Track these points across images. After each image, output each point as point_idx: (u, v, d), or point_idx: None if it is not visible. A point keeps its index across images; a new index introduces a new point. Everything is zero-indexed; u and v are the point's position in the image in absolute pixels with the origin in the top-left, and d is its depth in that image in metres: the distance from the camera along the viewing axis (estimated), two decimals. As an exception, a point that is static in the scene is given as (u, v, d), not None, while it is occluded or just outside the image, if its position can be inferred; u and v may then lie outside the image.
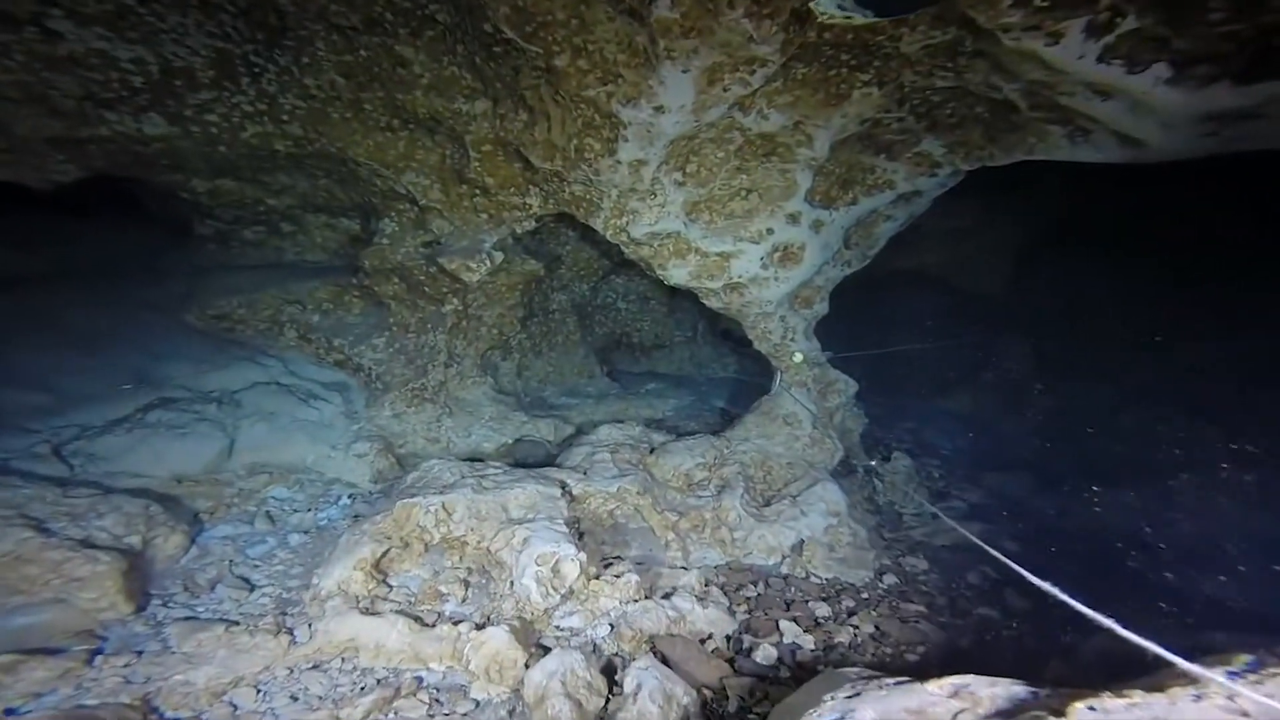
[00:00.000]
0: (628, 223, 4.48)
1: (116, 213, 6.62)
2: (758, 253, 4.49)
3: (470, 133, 4.45)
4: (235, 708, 2.51)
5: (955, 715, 1.73)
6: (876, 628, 3.50)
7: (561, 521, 3.94)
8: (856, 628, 3.49)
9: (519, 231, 5.19)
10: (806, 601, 3.81)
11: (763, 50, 3.21)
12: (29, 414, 3.96)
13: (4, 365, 4.20)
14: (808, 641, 3.35)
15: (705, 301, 5.00)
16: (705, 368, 8.71)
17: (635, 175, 4.06)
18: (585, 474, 4.65)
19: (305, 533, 4.07)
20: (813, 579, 4.14)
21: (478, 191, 4.97)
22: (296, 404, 5.15)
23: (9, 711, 2.25)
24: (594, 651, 3.20)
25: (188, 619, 2.98)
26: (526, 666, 2.93)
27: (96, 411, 4.16)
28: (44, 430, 3.91)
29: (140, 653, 2.69)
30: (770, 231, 4.40)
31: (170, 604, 3.10)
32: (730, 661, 3.18)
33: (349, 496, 4.61)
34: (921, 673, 1.99)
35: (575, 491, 4.40)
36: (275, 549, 3.83)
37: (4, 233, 5.65)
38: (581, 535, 4.13)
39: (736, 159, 4.10)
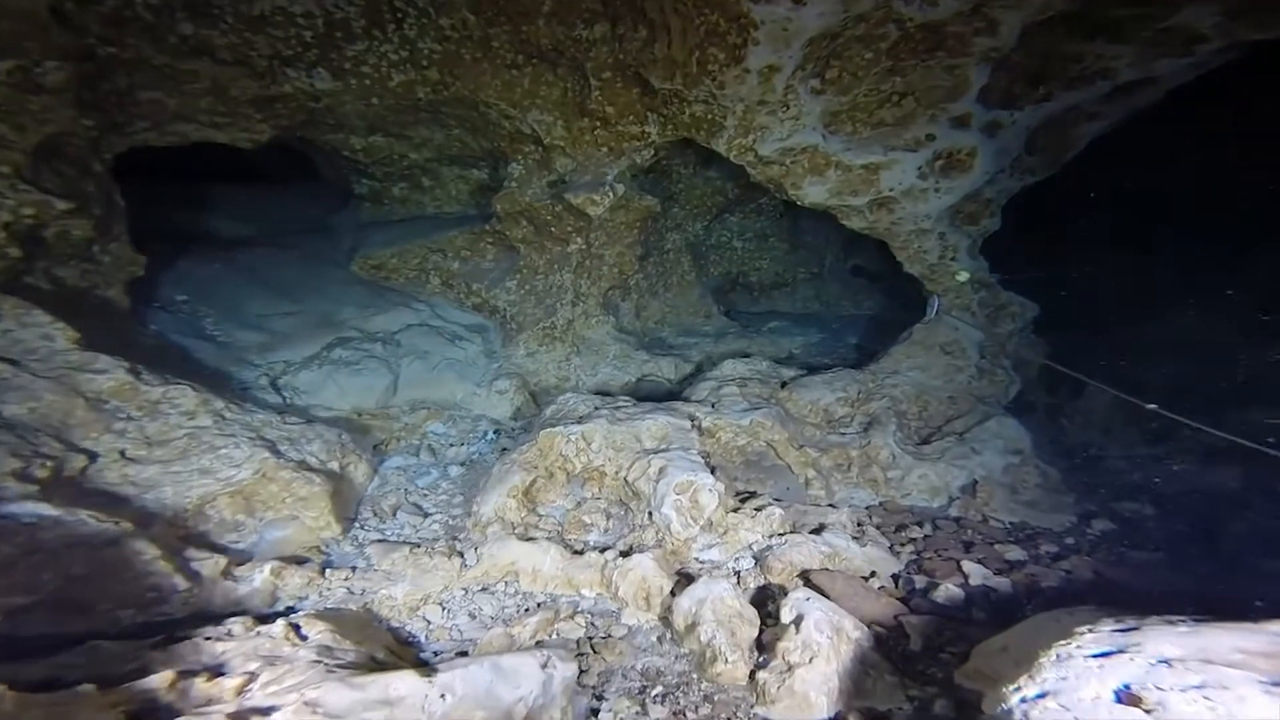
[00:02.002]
0: (755, 140, 4.13)
1: (298, 180, 7.44)
2: (914, 162, 3.96)
3: (590, 59, 4.28)
4: (429, 622, 2.75)
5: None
6: (1097, 574, 3.09)
7: (695, 452, 3.87)
8: (1069, 573, 3.09)
9: (639, 161, 5.01)
10: (991, 544, 3.46)
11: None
12: (254, 350, 4.64)
13: (237, 314, 4.88)
14: (1003, 584, 3.03)
15: (845, 222, 4.55)
16: (834, 305, 8.12)
17: (765, 85, 3.68)
18: (714, 408, 4.50)
19: (462, 465, 4.37)
20: (992, 522, 3.77)
21: (598, 124, 4.83)
22: (445, 344, 5.49)
23: (290, 609, 2.61)
24: (738, 583, 3.15)
25: (380, 541, 3.31)
26: (673, 594, 2.93)
27: (296, 350, 4.73)
28: (262, 365, 4.54)
29: (354, 568, 3.03)
30: (931, 138, 3.84)
31: (365, 527, 3.47)
32: (904, 601, 2.96)
33: (494, 432, 4.88)
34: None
35: (705, 425, 4.28)
36: (439, 480, 4.14)
37: (220, 202, 6.51)
38: (713, 470, 4.04)
39: (889, 58, 3.55)
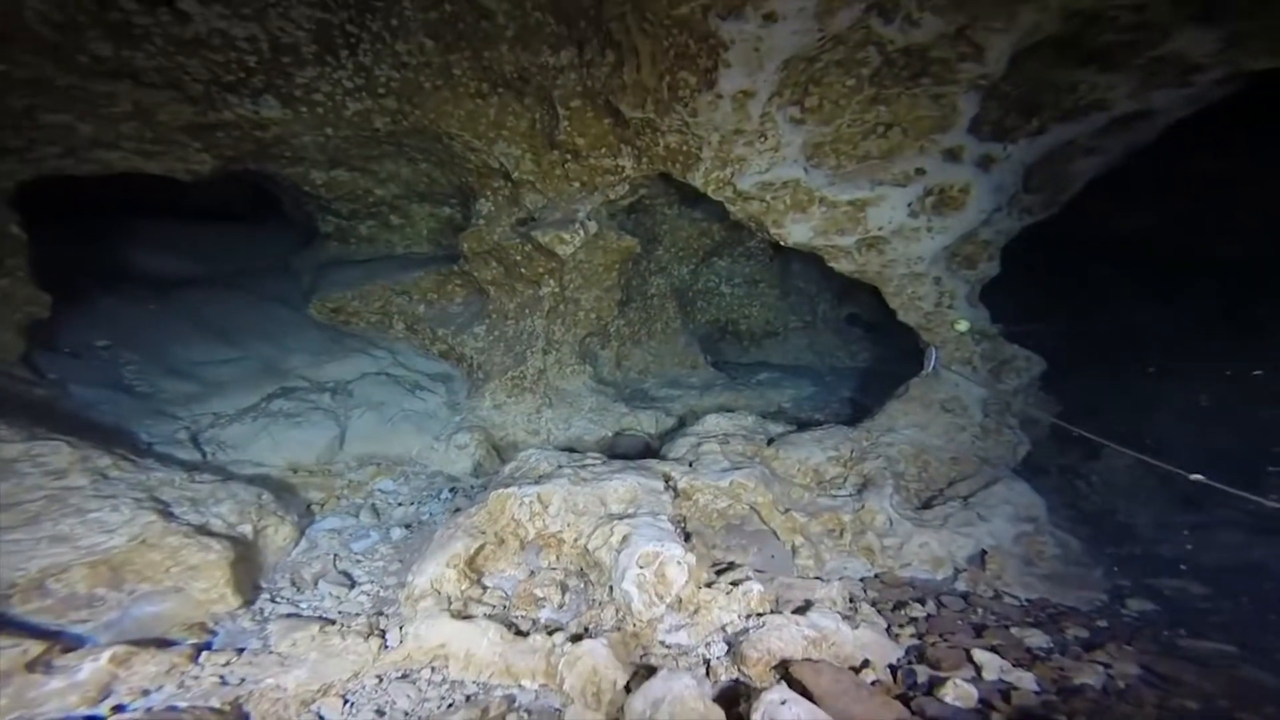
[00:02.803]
0: (733, 173, 3.92)
1: (260, 220, 7.27)
2: (904, 198, 3.72)
3: (558, 88, 4.12)
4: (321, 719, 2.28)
5: None
6: (1146, 670, 2.63)
7: (665, 518, 3.48)
8: (1108, 667, 2.63)
9: (613, 197, 4.81)
10: (1007, 626, 3.01)
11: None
12: (178, 401, 4.25)
13: (164, 360, 4.53)
14: (1025, 680, 2.56)
15: (834, 265, 4.28)
16: (828, 356, 7.83)
17: (740, 112, 3.48)
18: (691, 466, 4.14)
19: (407, 526, 3.94)
20: (1006, 599, 3.33)
21: (569, 156, 4.65)
22: (403, 394, 5.14)
23: (119, 709, 2.16)
24: (707, 674, 2.69)
25: (289, 616, 2.87)
26: (628, 689, 2.47)
27: (230, 400, 4.35)
28: (186, 417, 4.15)
29: (241, 650, 2.58)
30: (921, 172, 3.62)
31: (277, 598, 3.03)
32: (904, 701, 2.49)
33: (450, 490, 4.47)
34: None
35: (680, 485, 3.90)
36: (378, 543, 3.71)
37: (171, 240, 6.26)
38: (689, 536, 3.63)
39: (872, 86, 3.37)
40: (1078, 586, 3.34)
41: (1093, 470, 4.48)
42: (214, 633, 2.67)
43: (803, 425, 5.03)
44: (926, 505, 4.14)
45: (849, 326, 7.95)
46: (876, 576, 3.69)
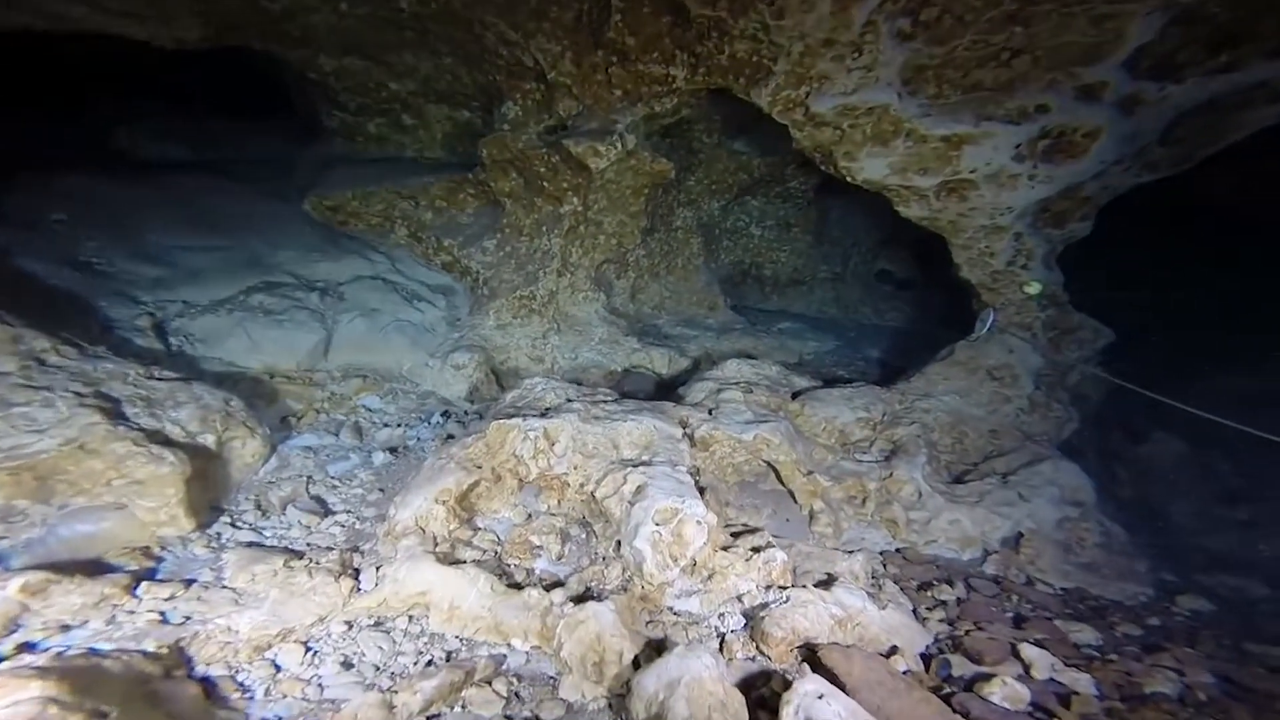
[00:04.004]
0: (809, 93, 3.33)
1: (271, 115, 6.63)
2: (1013, 138, 3.16)
3: (613, -30, 3.45)
4: (277, 669, 1.96)
5: None
6: (1224, 678, 2.31)
7: (684, 469, 3.12)
8: (1180, 674, 2.31)
9: (657, 110, 4.20)
10: (1049, 618, 2.71)
11: None
12: (143, 285, 3.77)
13: (134, 241, 4.03)
14: (1083, 683, 2.25)
15: (902, 209, 3.75)
16: (854, 311, 7.35)
17: (840, 18, 2.88)
18: (711, 414, 3.76)
19: (392, 450, 3.57)
20: (1041, 587, 3.05)
21: (614, 59, 4.02)
22: (400, 303, 4.68)
23: (29, 646, 1.79)
24: (721, 650, 2.38)
25: (250, 545, 2.51)
26: (635, 665, 2.16)
27: (204, 289, 3.88)
28: (150, 302, 3.67)
29: (190, 582, 2.21)
30: (1043, 109, 3.03)
31: (238, 523, 2.66)
32: (943, 695, 2.19)
33: (443, 414, 4.08)
34: None
35: (698, 434, 3.54)
36: (358, 467, 3.34)
37: (170, 127, 5.65)
38: (702, 491, 3.30)
39: (1016, 1, 2.74)
40: (1118, 578, 3.05)
41: (1136, 456, 4.12)
42: (159, 559, 2.30)
43: (826, 380, 4.64)
44: (959, 479, 3.84)
45: (879, 283, 7.44)
46: (898, 551, 3.42)
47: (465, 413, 4.26)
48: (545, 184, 4.68)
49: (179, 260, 3.98)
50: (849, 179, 3.68)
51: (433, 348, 4.56)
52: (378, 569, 2.46)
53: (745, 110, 5.10)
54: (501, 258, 5.04)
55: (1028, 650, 2.42)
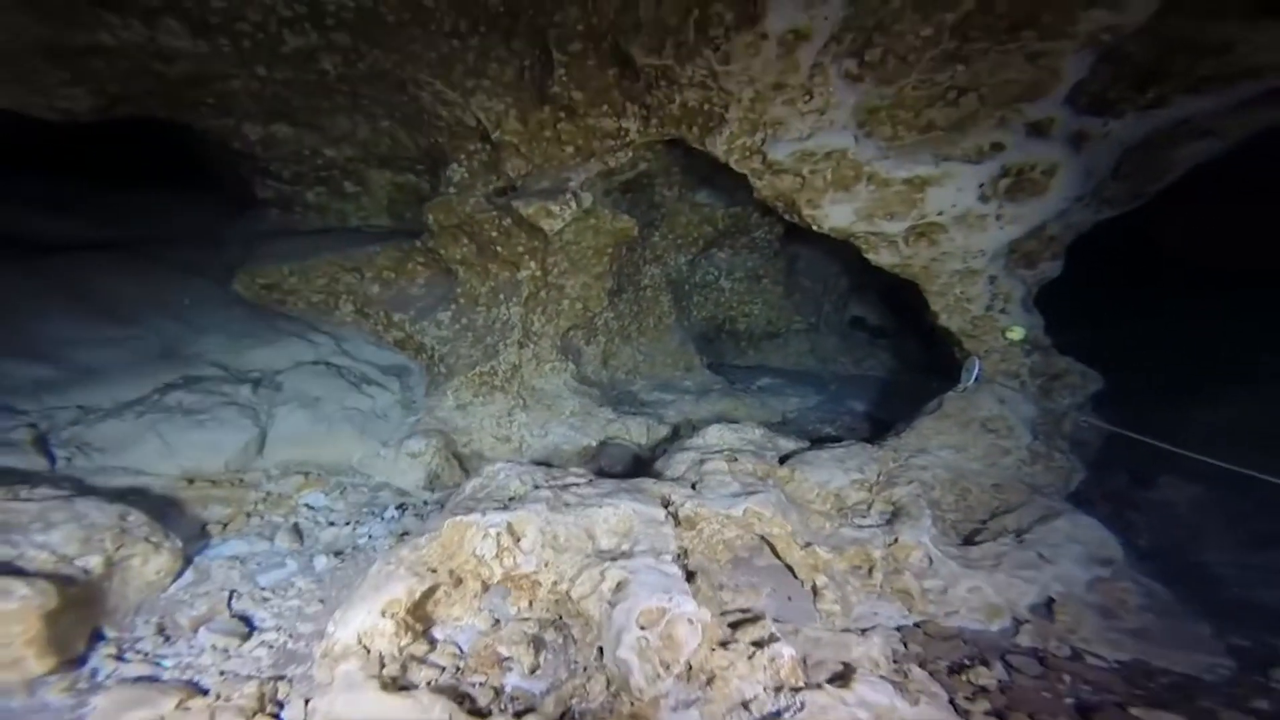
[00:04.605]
0: (764, 140, 3.32)
1: (207, 189, 6.40)
2: (974, 177, 3.16)
3: (555, 26, 3.47)
4: None
5: None
6: None
7: (669, 557, 2.86)
8: None
9: (612, 166, 4.16)
10: (1119, 704, 2.39)
11: None
12: (23, 391, 3.35)
13: (11, 337, 3.64)
14: None
15: (871, 256, 3.71)
16: (831, 362, 7.31)
17: (787, 60, 2.89)
18: (694, 488, 3.55)
19: (338, 554, 3.21)
20: (1092, 661, 2.77)
21: (562, 114, 3.99)
22: (346, 389, 4.39)
23: None
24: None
25: (137, 681, 2.11)
26: (629, 813, 1.82)
27: (106, 391, 3.51)
28: (34, 411, 3.28)
29: None
30: (998, 147, 3.06)
31: (128, 654, 2.27)
32: None
33: (398, 507, 3.75)
34: None
35: (683, 512, 3.31)
36: (295, 575, 2.98)
37: (57, 200, 5.34)
38: (692, 575, 3.04)
39: (954, 38, 2.80)
40: (1182, 646, 2.81)
41: (1149, 502, 3.99)
42: (-2, 715, 1.91)
43: (813, 440, 4.48)
44: (968, 540, 3.63)
45: (853, 330, 7.44)
46: (917, 626, 3.15)
47: (425, 503, 3.93)
48: (499, 249, 4.55)
49: (72, 357, 3.62)
50: (815, 228, 3.64)
51: (386, 435, 4.25)
52: (307, 702, 2.10)
53: (705, 161, 5.17)
54: (458, 331, 4.83)
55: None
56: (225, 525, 3.18)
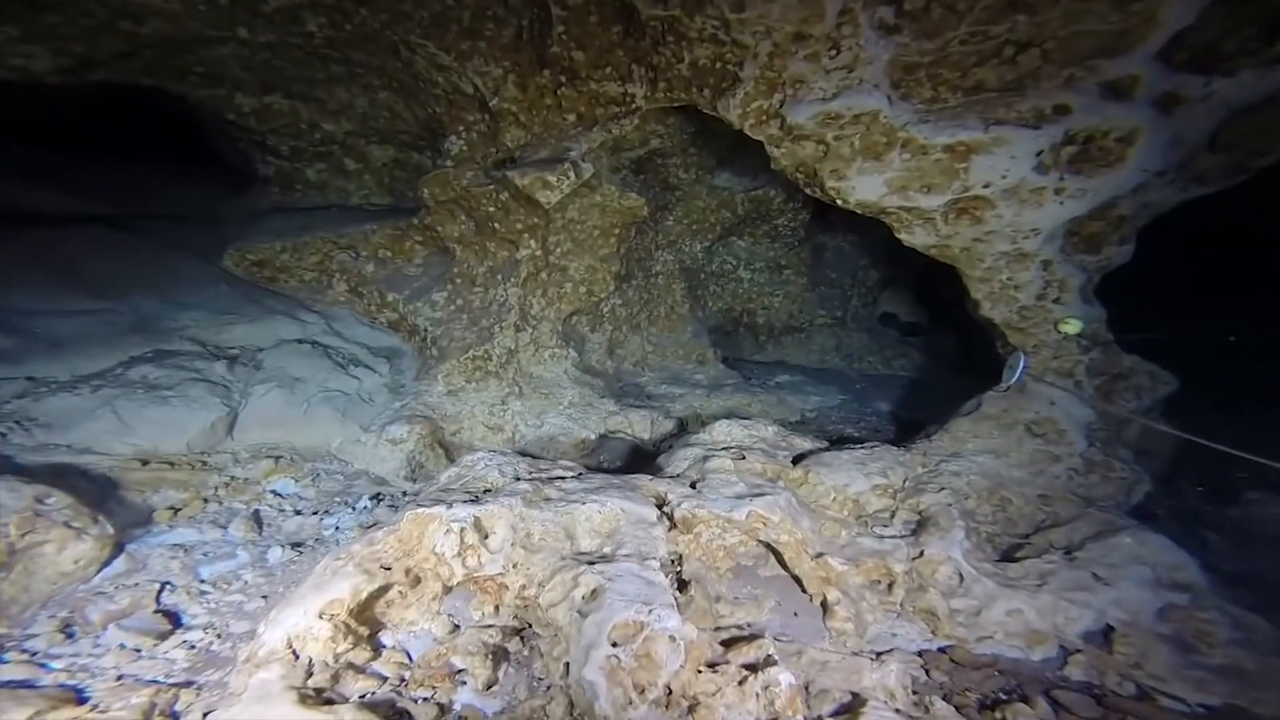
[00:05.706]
0: (783, 101, 2.95)
1: (209, 166, 6.27)
2: (1031, 144, 2.72)
3: (555, -25, 3.15)
4: None
5: None
6: None
7: (656, 563, 2.54)
8: None
9: (617, 134, 3.83)
10: None
11: None
12: None
13: None
14: None
15: (904, 236, 3.29)
16: (857, 360, 6.86)
17: (810, 6, 2.52)
18: (695, 487, 3.22)
19: (297, 546, 2.95)
20: (1167, 703, 2.35)
21: (563, 79, 3.69)
22: (331, 370, 4.15)
23: None
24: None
25: (3, 686, 1.83)
26: None
27: (66, 363, 3.31)
28: None
29: None
30: (1063, 110, 2.62)
31: (7, 654, 2.01)
32: None
33: (373, 497, 3.49)
34: None
35: (679, 512, 2.97)
36: (244, 567, 2.72)
37: (44, 173, 5.22)
38: (685, 584, 2.71)
39: None
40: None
41: (1229, 520, 3.49)
42: None
43: (832, 441, 4.12)
44: (1008, 556, 3.20)
45: (883, 327, 6.97)
46: (942, 651, 2.74)
47: (403, 494, 3.67)
48: (497, 225, 4.27)
49: (36, 328, 3.43)
50: (840, 202, 3.24)
51: (368, 419, 4.00)
52: (205, 716, 1.81)
53: (723, 141, 4.80)
54: (452, 312, 4.56)
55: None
56: (177, 511, 2.94)
